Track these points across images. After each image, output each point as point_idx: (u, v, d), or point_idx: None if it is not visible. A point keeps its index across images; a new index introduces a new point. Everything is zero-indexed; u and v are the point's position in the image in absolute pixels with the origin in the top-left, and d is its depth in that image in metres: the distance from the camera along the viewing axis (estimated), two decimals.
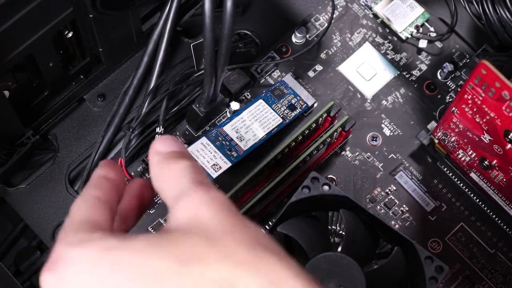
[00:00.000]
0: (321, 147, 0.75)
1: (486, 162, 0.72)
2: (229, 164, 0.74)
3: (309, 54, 0.83)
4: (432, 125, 0.79)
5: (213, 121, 0.79)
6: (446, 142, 0.76)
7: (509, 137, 0.65)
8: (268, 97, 0.78)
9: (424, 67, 0.84)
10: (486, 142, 0.69)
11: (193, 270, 0.41)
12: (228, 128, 0.75)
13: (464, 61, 0.84)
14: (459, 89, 0.77)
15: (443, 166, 0.80)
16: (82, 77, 0.79)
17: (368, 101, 0.82)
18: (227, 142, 0.75)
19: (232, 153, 0.74)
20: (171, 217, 0.45)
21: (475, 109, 0.66)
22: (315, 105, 0.81)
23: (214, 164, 0.73)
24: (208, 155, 0.74)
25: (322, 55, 0.83)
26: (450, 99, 0.82)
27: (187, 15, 0.81)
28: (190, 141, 0.77)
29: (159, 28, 0.77)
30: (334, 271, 0.63)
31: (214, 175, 0.73)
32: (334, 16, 0.84)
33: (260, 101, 0.77)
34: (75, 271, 0.43)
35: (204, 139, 0.75)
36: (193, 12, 0.81)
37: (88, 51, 0.76)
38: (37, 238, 0.79)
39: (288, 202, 0.68)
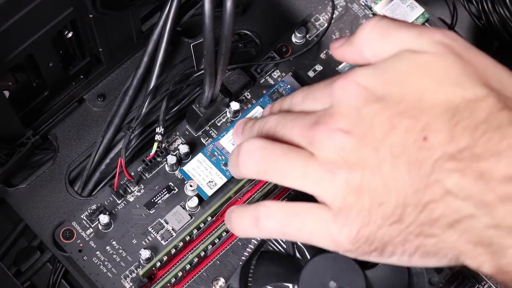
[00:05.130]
0: None
1: None
2: (225, 180, 0.74)
3: (309, 54, 0.83)
4: None
5: (213, 121, 0.79)
6: None
7: None
8: (266, 102, 0.78)
9: None
10: None
11: None
12: (224, 141, 0.76)
13: None
14: None
15: None
16: (82, 77, 0.79)
17: None
18: (223, 157, 0.75)
19: (228, 167, 0.75)
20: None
21: None
22: None
23: (209, 181, 0.74)
24: (204, 172, 0.74)
25: (322, 55, 0.83)
26: None
27: (187, 15, 0.81)
28: (190, 141, 0.77)
29: (159, 28, 0.77)
30: (334, 271, 0.63)
31: (210, 192, 0.74)
32: (334, 16, 0.84)
33: (258, 107, 0.77)
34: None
35: (200, 156, 0.75)
36: (193, 12, 0.81)
37: (88, 51, 0.76)
38: (37, 238, 0.79)
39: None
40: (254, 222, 0.58)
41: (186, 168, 0.75)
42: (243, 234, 0.61)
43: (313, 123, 0.56)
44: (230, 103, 0.77)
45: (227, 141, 0.76)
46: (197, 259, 0.71)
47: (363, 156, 0.53)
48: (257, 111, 0.77)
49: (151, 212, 0.75)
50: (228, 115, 0.78)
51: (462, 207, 0.50)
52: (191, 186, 0.75)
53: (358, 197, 0.53)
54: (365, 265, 0.64)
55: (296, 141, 0.57)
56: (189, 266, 0.70)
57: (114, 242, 0.74)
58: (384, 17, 0.58)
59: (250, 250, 0.69)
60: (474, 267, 0.52)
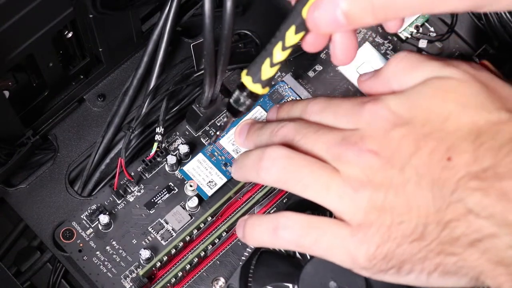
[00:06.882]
0: None
1: None
2: (225, 180, 0.74)
3: (309, 54, 0.83)
4: None
5: (213, 121, 0.79)
6: None
7: None
8: (266, 102, 0.78)
9: None
10: None
11: None
12: (224, 141, 0.76)
13: None
14: None
15: None
16: (82, 77, 0.79)
17: None
18: (223, 157, 0.75)
19: (228, 167, 0.75)
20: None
21: None
22: None
23: (209, 181, 0.74)
24: (204, 172, 0.74)
25: (322, 55, 0.83)
26: None
27: (187, 15, 0.81)
28: (190, 141, 0.77)
29: (159, 28, 0.77)
30: (334, 271, 0.63)
31: (210, 192, 0.74)
32: None
33: (258, 107, 0.77)
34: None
35: (200, 156, 0.75)
36: (193, 12, 0.81)
37: (88, 51, 0.76)
38: (37, 238, 0.79)
39: (288, 202, 0.68)
40: (272, 232, 0.58)
41: (186, 168, 0.75)
42: (257, 243, 0.61)
43: (341, 141, 0.57)
44: None
45: (227, 141, 0.76)
46: (197, 259, 0.71)
47: (388, 176, 0.54)
48: (257, 111, 0.77)
49: (151, 212, 0.75)
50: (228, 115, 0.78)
51: (484, 226, 0.51)
52: (191, 186, 0.75)
53: (380, 215, 0.54)
54: None
55: (318, 154, 0.58)
56: (189, 266, 0.70)
57: (114, 242, 0.74)
58: (411, 51, 0.59)
59: (250, 250, 0.69)
60: (494, 287, 0.52)
